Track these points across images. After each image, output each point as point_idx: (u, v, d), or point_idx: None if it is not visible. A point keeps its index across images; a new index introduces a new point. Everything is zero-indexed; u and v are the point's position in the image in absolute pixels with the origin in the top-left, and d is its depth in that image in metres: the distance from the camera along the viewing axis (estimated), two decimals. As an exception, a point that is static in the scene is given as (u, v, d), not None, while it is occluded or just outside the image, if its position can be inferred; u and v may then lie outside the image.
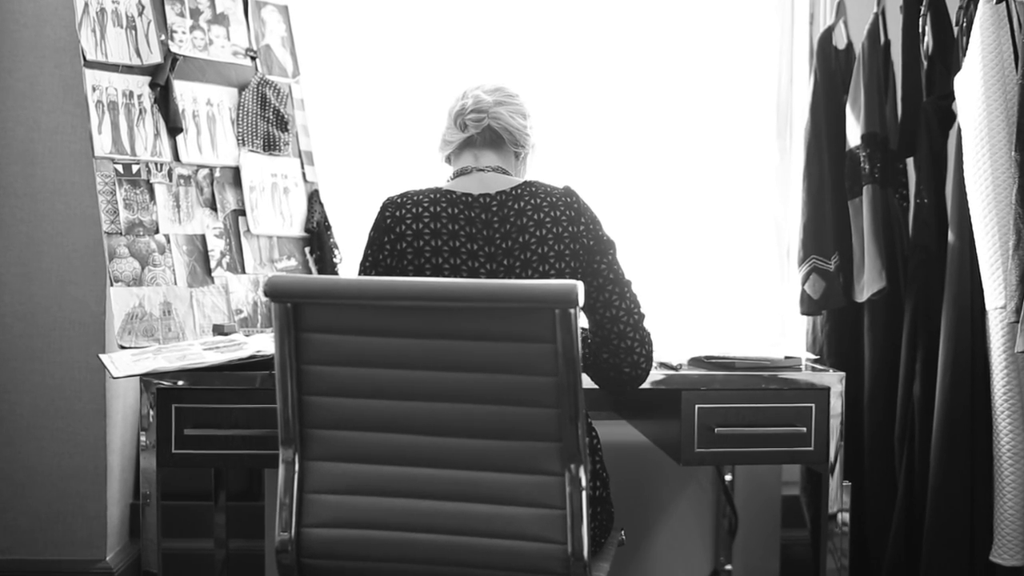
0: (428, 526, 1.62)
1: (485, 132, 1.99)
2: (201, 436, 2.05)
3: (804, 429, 2.14)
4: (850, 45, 2.82)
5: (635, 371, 1.92)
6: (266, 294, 1.57)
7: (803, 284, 2.68)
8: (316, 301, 1.58)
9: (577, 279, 1.75)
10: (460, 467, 1.61)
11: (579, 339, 1.53)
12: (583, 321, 1.93)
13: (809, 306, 2.68)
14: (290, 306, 1.58)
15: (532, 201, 1.89)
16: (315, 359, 1.61)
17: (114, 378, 2.04)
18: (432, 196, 1.90)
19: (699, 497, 2.98)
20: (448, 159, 2.07)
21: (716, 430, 2.11)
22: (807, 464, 2.17)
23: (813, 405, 2.15)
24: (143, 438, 2.06)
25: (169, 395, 2.06)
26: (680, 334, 2.82)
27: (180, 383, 2.06)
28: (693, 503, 2.97)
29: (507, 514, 1.60)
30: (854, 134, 2.65)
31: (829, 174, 2.71)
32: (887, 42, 2.71)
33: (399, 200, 1.91)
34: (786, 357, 2.21)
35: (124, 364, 2.05)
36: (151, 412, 2.05)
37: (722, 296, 3.11)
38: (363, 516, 1.64)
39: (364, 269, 1.92)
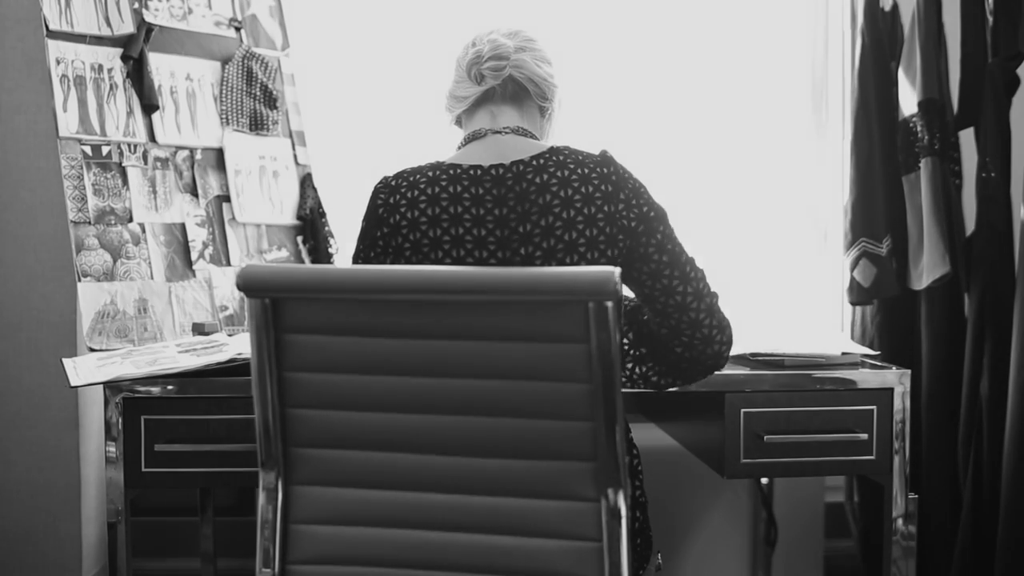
0: (436, 562, 1.41)
1: (506, 84, 1.69)
2: (175, 453, 1.82)
3: (865, 436, 1.90)
4: (895, 7, 2.65)
5: (718, 361, 1.69)
6: (239, 287, 1.33)
7: (851, 271, 2.45)
8: (299, 295, 1.36)
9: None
10: (474, 492, 1.40)
11: (619, 336, 1.28)
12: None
13: (859, 295, 2.45)
14: (268, 302, 1.35)
15: (559, 173, 1.59)
16: (299, 364, 1.39)
17: (71, 387, 1.79)
18: (430, 175, 1.61)
19: (734, 505, 2.82)
20: (459, 121, 1.78)
21: (765, 438, 1.87)
22: (868, 475, 1.94)
23: (875, 408, 1.92)
24: (110, 448, 1.83)
25: (137, 406, 1.82)
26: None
27: (150, 390, 1.82)
28: (727, 511, 2.81)
29: (531, 547, 1.38)
30: (908, 102, 2.45)
31: (879, 147, 2.51)
32: (938, 0, 2.49)
33: (394, 183, 1.63)
34: (843, 353, 1.95)
35: (86, 370, 1.81)
36: (119, 420, 1.82)
37: (753, 283, 2.92)
38: (359, 550, 1.43)
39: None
